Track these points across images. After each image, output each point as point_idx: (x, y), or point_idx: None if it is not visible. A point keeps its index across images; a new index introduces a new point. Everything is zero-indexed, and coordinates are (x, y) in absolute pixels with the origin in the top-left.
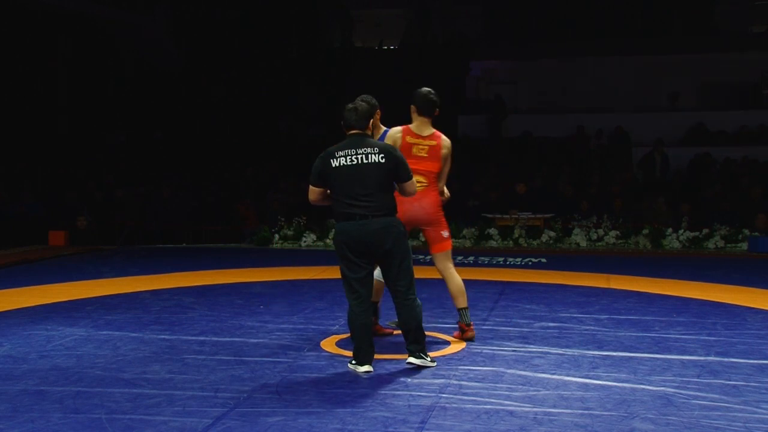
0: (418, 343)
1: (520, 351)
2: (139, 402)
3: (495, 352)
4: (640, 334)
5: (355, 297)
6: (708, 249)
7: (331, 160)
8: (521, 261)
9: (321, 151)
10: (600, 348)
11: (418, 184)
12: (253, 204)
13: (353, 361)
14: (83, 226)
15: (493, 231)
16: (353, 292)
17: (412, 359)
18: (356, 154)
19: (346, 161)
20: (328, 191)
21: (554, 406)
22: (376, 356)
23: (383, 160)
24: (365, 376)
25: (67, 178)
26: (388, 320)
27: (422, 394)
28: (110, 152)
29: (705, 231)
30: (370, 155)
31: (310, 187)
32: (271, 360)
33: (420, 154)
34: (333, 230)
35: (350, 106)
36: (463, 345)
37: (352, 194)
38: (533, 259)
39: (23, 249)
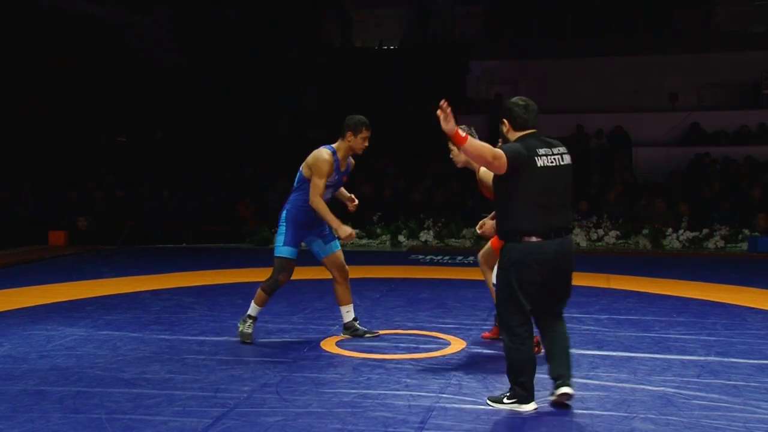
0: (570, 368)
1: None
2: (139, 402)
3: (495, 352)
4: (640, 334)
5: (527, 327)
6: (708, 249)
7: (536, 159)
8: None
9: None
10: (600, 348)
11: None
12: (253, 204)
13: (513, 400)
14: (83, 226)
15: None
16: (523, 323)
17: (566, 389)
18: (553, 154)
19: (548, 161)
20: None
21: (554, 406)
22: (377, 356)
23: (571, 162)
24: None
25: (67, 178)
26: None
27: (422, 394)
28: (110, 152)
29: (705, 231)
30: (564, 156)
31: (505, 153)
32: (271, 360)
33: None
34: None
35: (520, 102)
36: (463, 345)
37: (550, 203)
38: None
39: (23, 249)
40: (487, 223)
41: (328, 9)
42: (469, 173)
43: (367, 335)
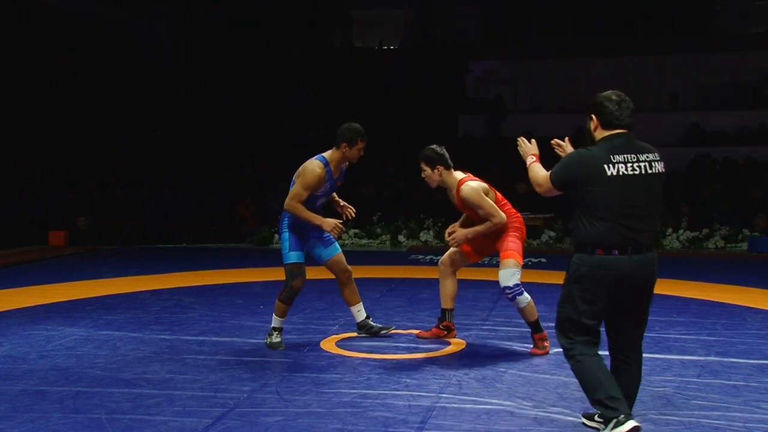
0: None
1: (520, 351)
2: (139, 402)
3: (495, 352)
4: None
5: (584, 343)
6: (708, 249)
7: (606, 166)
8: None
9: (320, 151)
10: (600, 348)
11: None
12: (253, 204)
13: (602, 421)
14: (84, 226)
15: None
16: (582, 340)
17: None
18: (638, 161)
19: (626, 170)
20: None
21: (554, 406)
22: (377, 356)
23: (663, 170)
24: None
25: (67, 178)
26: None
27: (422, 394)
28: (110, 152)
29: (705, 231)
30: (653, 163)
31: (550, 178)
32: (271, 360)
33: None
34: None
35: (613, 97)
36: (463, 345)
37: (628, 214)
38: (533, 259)
39: (23, 249)
40: (459, 231)
41: (328, 9)
42: (477, 173)
43: (383, 332)
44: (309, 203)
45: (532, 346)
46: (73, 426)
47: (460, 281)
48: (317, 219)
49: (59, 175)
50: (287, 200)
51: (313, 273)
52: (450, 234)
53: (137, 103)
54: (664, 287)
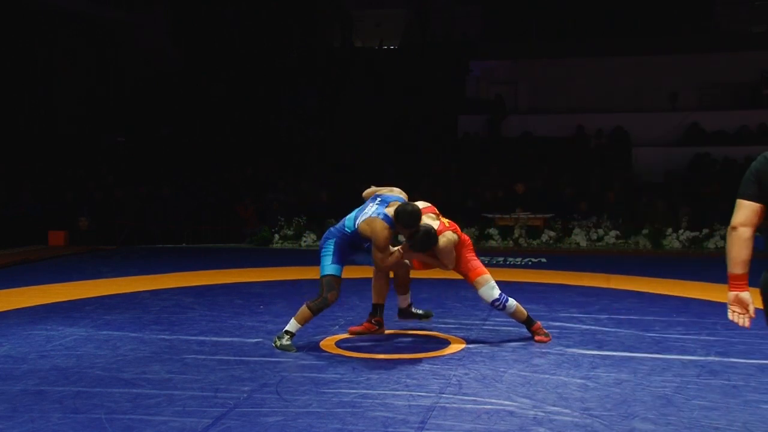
0: None
1: (520, 351)
2: (139, 402)
3: (495, 352)
4: (640, 334)
5: None
6: (708, 249)
7: None
8: (521, 261)
9: (320, 151)
10: (600, 348)
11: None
12: (252, 204)
13: None
14: (85, 226)
15: (493, 231)
16: None
17: None
18: None
19: None
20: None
21: (554, 406)
22: (377, 356)
23: None
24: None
25: (67, 178)
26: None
27: (422, 394)
28: (110, 152)
29: (705, 231)
30: None
31: (742, 204)
32: (271, 360)
33: None
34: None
35: None
36: (463, 345)
37: None
38: (533, 259)
39: (23, 249)
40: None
41: (328, 9)
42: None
43: (424, 318)
44: (363, 241)
45: (533, 340)
46: (73, 426)
47: (461, 281)
48: (396, 252)
49: (59, 175)
50: (378, 265)
51: (313, 273)
52: (404, 250)
53: (137, 103)
54: (664, 287)
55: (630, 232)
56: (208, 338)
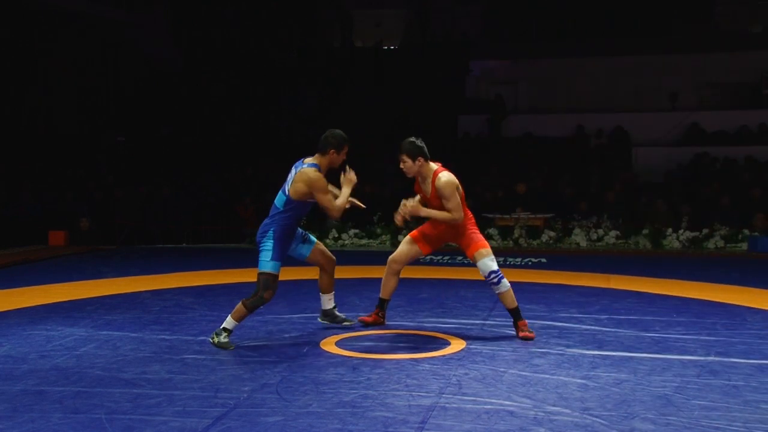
0: None
1: (520, 351)
2: (139, 402)
3: (495, 352)
4: (640, 334)
5: None
6: (708, 249)
7: None
8: (521, 261)
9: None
10: (600, 348)
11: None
12: (252, 204)
13: None
14: (86, 226)
15: (493, 231)
16: None
17: None
18: None
19: None
20: None
21: (554, 406)
22: (377, 356)
23: None
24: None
25: (67, 178)
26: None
27: (422, 394)
28: (110, 152)
29: (705, 231)
30: None
31: None
32: (271, 360)
33: None
34: None
35: None
36: (463, 345)
37: None
38: (533, 259)
39: (23, 249)
40: (416, 205)
41: (328, 9)
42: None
43: (345, 323)
44: (301, 209)
45: (520, 335)
46: (73, 426)
47: (461, 281)
48: (345, 189)
49: (59, 175)
50: (332, 212)
51: (313, 273)
52: (405, 205)
53: (137, 103)
54: (664, 287)
55: (630, 232)
56: (208, 338)
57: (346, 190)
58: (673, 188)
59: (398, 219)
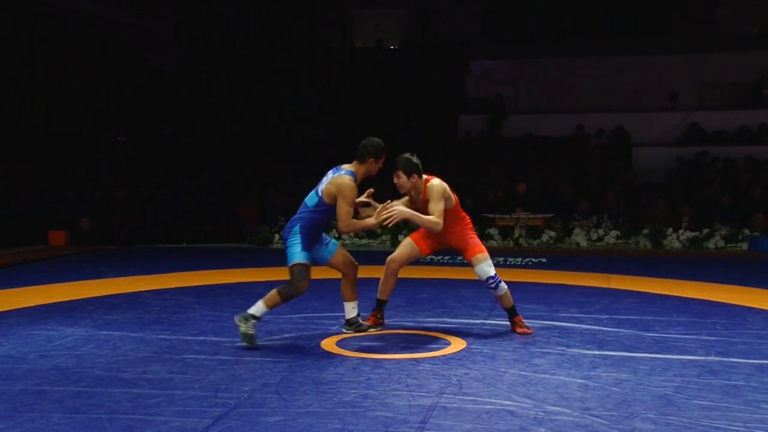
0: None
1: (520, 351)
2: (139, 402)
3: (495, 352)
4: (641, 334)
5: None
6: (708, 249)
7: None
8: (521, 261)
9: (320, 151)
10: (600, 348)
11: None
12: (252, 204)
13: None
14: (87, 226)
15: (493, 231)
16: None
17: None
18: None
19: None
20: None
21: (555, 406)
22: (377, 356)
23: None
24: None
25: (67, 178)
26: (392, 319)
27: (422, 394)
28: (110, 152)
29: (705, 231)
30: None
31: None
32: (271, 360)
33: None
34: None
35: None
36: (463, 345)
37: None
38: (533, 259)
39: (23, 249)
40: (400, 207)
41: (328, 9)
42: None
43: (371, 330)
44: (330, 213)
45: (518, 330)
46: (73, 426)
47: (461, 281)
48: (370, 220)
49: (59, 175)
50: (342, 225)
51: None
52: (387, 208)
53: (137, 102)
54: (664, 287)
55: (630, 232)
56: (208, 338)
57: (369, 222)
58: (673, 188)
59: (391, 223)
